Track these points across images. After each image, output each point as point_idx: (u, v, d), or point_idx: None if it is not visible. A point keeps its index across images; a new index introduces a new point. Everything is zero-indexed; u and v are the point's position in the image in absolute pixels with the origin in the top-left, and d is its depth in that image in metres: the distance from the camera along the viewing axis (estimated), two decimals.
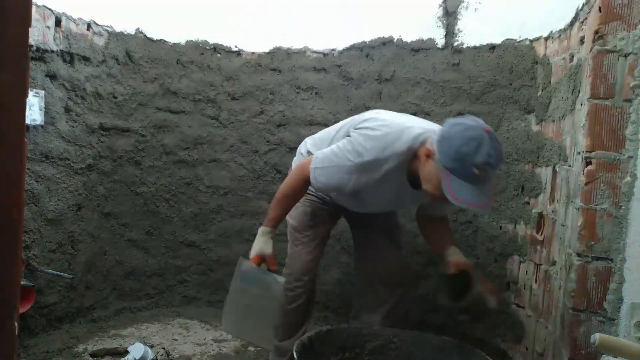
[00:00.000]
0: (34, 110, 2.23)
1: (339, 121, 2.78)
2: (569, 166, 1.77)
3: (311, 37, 2.84)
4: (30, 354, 2.25)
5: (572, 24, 1.94)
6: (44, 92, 2.29)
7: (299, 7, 2.83)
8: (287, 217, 2.09)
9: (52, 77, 2.35)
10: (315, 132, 2.83)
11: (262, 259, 1.95)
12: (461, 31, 2.56)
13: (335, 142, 1.90)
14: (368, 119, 1.85)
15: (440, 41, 2.60)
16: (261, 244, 1.96)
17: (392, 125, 1.75)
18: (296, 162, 2.16)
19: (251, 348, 2.54)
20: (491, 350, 2.41)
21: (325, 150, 1.88)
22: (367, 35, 2.74)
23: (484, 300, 1.93)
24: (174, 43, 2.91)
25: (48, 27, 2.27)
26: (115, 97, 2.74)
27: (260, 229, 1.99)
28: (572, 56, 1.88)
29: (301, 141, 2.84)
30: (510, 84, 2.43)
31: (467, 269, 1.96)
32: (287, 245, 2.18)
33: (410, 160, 1.73)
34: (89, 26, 2.53)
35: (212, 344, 2.56)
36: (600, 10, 1.50)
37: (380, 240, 2.20)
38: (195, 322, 2.80)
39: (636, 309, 1.46)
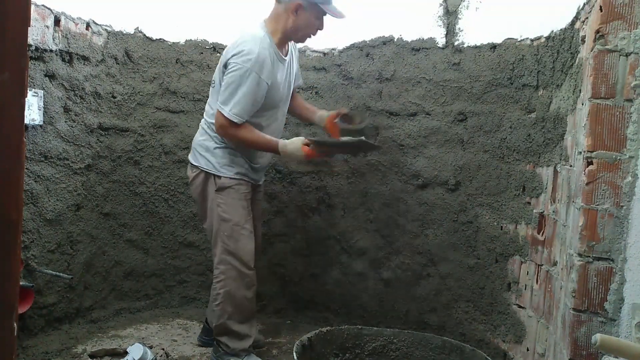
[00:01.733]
0: (32, 110, 2.22)
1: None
2: (570, 166, 1.77)
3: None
4: (29, 355, 2.24)
5: (573, 23, 1.94)
6: (42, 91, 2.28)
7: None
8: (223, 214, 2.23)
9: (51, 76, 2.34)
10: (316, 132, 2.84)
11: (307, 144, 2.20)
12: (462, 30, 2.55)
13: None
14: (230, 46, 2.16)
15: (441, 40, 2.60)
16: (294, 144, 2.20)
17: (245, 33, 2.16)
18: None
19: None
20: (491, 351, 2.41)
21: (220, 93, 2.14)
22: (368, 34, 2.74)
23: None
24: (173, 42, 2.90)
25: (47, 27, 2.27)
26: (114, 97, 2.73)
27: (282, 146, 2.20)
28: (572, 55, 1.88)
29: None
30: (511, 84, 2.42)
31: (347, 112, 2.45)
32: (222, 241, 2.24)
33: (272, 40, 2.18)
34: (88, 25, 2.52)
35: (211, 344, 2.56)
36: (601, 9, 1.49)
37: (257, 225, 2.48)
38: (194, 323, 2.79)
39: (637, 309, 1.45)
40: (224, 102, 2.12)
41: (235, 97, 2.10)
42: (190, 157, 2.35)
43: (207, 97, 2.92)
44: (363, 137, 2.23)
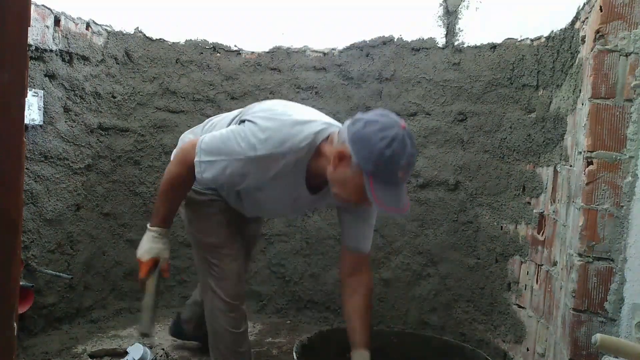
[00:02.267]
0: (32, 110, 2.22)
1: (339, 121, 2.80)
2: (570, 166, 1.77)
3: (311, 37, 2.84)
4: (29, 355, 2.24)
5: (573, 23, 1.94)
6: (42, 91, 2.28)
7: (298, 6, 2.83)
8: (198, 234, 1.82)
9: (51, 76, 2.34)
10: None
11: (156, 263, 1.70)
12: (462, 30, 2.55)
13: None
14: (265, 108, 1.61)
15: (441, 40, 2.60)
16: (157, 244, 1.69)
17: (291, 116, 1.54)
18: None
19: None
20: (491, 351, 2.41)
21: (213, 135, 1.60)
22: (367, 34, 2.74)
23: None
24: (174, 42, 2.90)
25: (47, 27, 2.27)
26: (114, 97, 2.73)
27: (151, 232, 1.71)
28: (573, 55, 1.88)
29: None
30: (511, 84, 2.42)
31: None
32: (205, 266, 1.83)
33: (310, 159, 1.55)
34: (88, 25, 2.52)
35: None
36: (601, 9, 1.49)
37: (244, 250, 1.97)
38: None
39: (637, 309, 1.45)
40: (198, 148, 1.60)
41: (215, 156, 1.57)
42: None
43: (207, 96, 2.94)
44: None
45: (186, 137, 1.96)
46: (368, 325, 1.74)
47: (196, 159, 1.59)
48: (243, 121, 1.60)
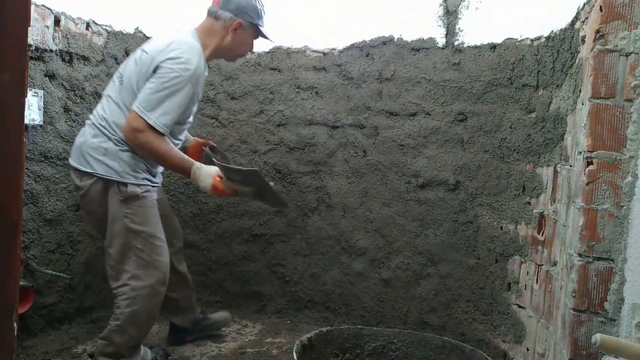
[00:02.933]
0: (32, 110, 2.22)
1: (339, 121, 2.81)
2: (570, 166, 1.77)
3: (311, 37, 2.84)
4: (29, 355, 2.24)
5: (573, 23, 1.94)
6: (42, 91, 2.28)
7: (298, 6, 2.83)
8: (133, 225, 1.97)
9: (51, 76, 2.34)
10: (316, 132, 2.84)
11: (221, 177, 2.01)
12: (462, 30, 2.55)
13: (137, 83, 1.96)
14: (161, 50, 1.96)
15: (441, 40, 2.60)
16: (205, 171, 2.01)
17: (181, 39, 1.99)
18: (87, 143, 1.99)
19: (250, 349, 2.53)
20: (491, 351, 2.41)
21: (146, 95, 1.89)
22: (368, 34, 2.74)
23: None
24: None
25: (47, 27, 2.27)
26: None
27: (195, 172, 2.00)
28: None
29: (301, 141, 2.85)
30: (511, 84, 2.42)
31: (215, 145, 2.41)
32: (135, 255, 1.98)
33: (204, 53, 2.08)
34: (88, 25, 2.52)
35: (211, 345, 2.56)
36: (601, 9, 1.49)
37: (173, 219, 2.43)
38: None
39: (637, 309, 1.45)
40: (148, 108, 1.88)
41: (165, 105, 1.89)
42: (75, 163, 2.00)
43: (207, 96, 2.94)
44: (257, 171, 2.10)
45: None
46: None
47: (149, 119, 1.87)
48: (156, 68, 1.92)
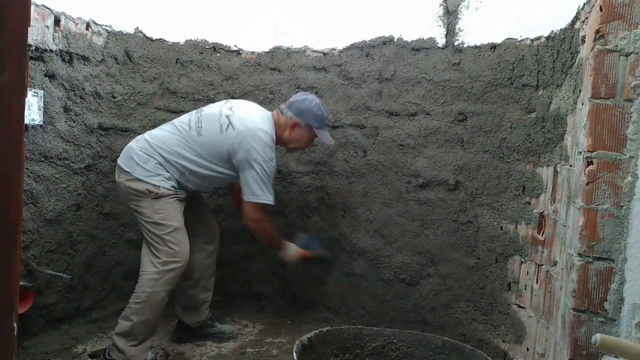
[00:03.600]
0: (32, 110, 2.22)
1: (339, 120, 2.81)
2: (570, 166, 1.77)
3: (311, 37, 2.84)
4: (29, 355, 2.24)
5: (573, 23, 1.94)
6: (42, 91, 2.28)
7: (299, 6, 2.83)
8: (161, 220, 2.20)
9: (51, 76, 2.34)
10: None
11: (305, 255, 2.52)
12: (462, 30, 2.55)
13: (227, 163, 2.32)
14: (252, 149, 2.27)
15: (441, 40, 2.60)
16: (294, 249, 2.51)
17: (264, 127, 2.33)
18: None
19: (250, 349, 2.53)
20: (491, 351, 2.41)
21: (255, 182, 2.29)
22: (368, 34, 2.74)
23: None
24: (174, 42, 2.90)
25: (47, 27, 2.27)
26: (114, 97, 2.73)
27: (289, 248, 2.50)
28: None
29: None
30: (511, 84, 2.42)
31: None
32: (154, 243, 2.20)
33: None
34: (88, 25, 2.52)
35: (211, 345, 2.56)
36: (601, 9, 1.49)
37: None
38: None
39: (637, 309, 1.45)
40: (259, 195, 2.28)
41: (269, 186, 2.32)
42: (124, 166, 2.25)
43: (207, 96, 2.94)
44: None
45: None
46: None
47: (269, 199, 2.32)
48: (251, 163, 2.27)
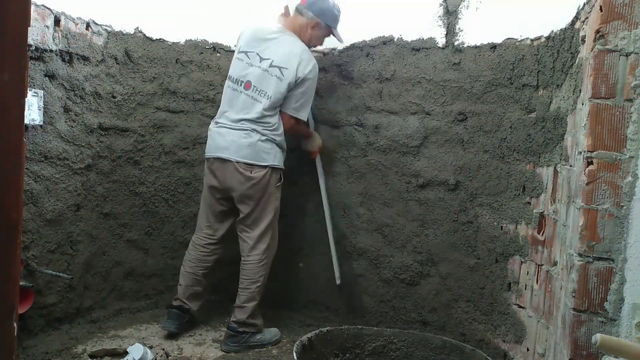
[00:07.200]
0: (32, 110, 2.22)
1: (339, 121, 2.81)
2: (570, 166, 1.77)
3: None
4: (29, 355, 2.24)
5: (573, 23, 1.94)
6: (42, 91, 2.28)
7: None
8: (278, 205, 2.59)
9: (51, 76, 2.34)
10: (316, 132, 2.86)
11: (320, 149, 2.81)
12: (462, 30, 2.55)
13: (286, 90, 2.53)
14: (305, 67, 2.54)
15: (441, 40, 2.60)
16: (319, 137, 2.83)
17: (303, 47, 2.59)
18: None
19: (250, 349, 2.53)
20: (491, 351, 2.41)
21: (306, 102, 2.58)
22: (368, 34, 2.74)
23: None
24: (173, 42, 2.90)
25: (47, 27, 2.26)
26: (114, 97, 2.73)
27: (316, 136, 2.79)
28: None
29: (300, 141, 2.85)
30: (511, 84, 2.42)
31: None
32: (273, 230, 2.58)
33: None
34: (87, 25, 2.52)
35: (211, 345, 2.56)
36: (601, 9, 1.49)
37: None
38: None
39: (637, 309, 1.45)
40: (299, 110, 2.56)
41: (308, 105, 2.60)
42: (251, 160, 2.48)
43: (207, 96, 2.94)
44: None
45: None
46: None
47: (302, 117, 2.61)
48: (303, 80, 2.54)
